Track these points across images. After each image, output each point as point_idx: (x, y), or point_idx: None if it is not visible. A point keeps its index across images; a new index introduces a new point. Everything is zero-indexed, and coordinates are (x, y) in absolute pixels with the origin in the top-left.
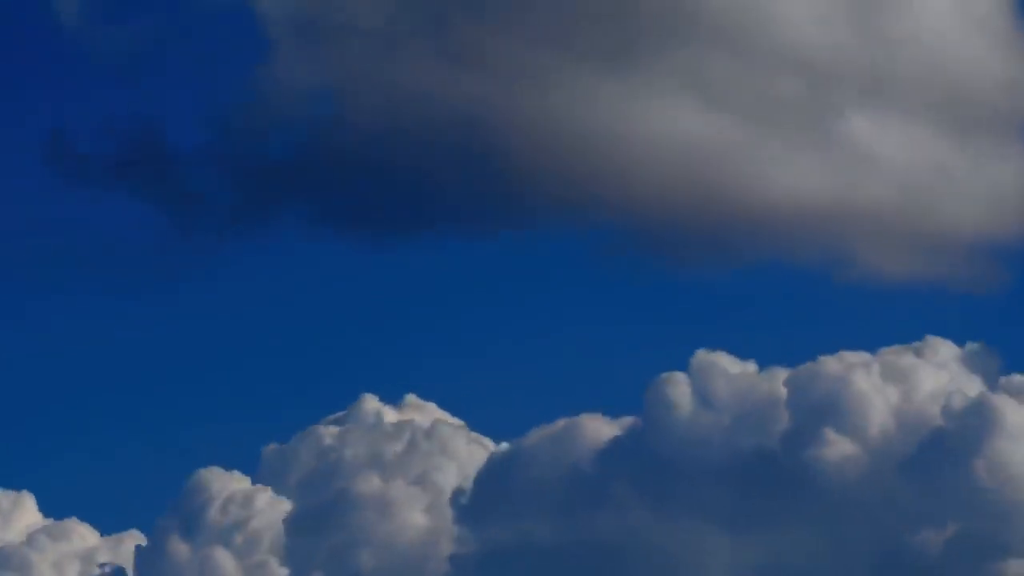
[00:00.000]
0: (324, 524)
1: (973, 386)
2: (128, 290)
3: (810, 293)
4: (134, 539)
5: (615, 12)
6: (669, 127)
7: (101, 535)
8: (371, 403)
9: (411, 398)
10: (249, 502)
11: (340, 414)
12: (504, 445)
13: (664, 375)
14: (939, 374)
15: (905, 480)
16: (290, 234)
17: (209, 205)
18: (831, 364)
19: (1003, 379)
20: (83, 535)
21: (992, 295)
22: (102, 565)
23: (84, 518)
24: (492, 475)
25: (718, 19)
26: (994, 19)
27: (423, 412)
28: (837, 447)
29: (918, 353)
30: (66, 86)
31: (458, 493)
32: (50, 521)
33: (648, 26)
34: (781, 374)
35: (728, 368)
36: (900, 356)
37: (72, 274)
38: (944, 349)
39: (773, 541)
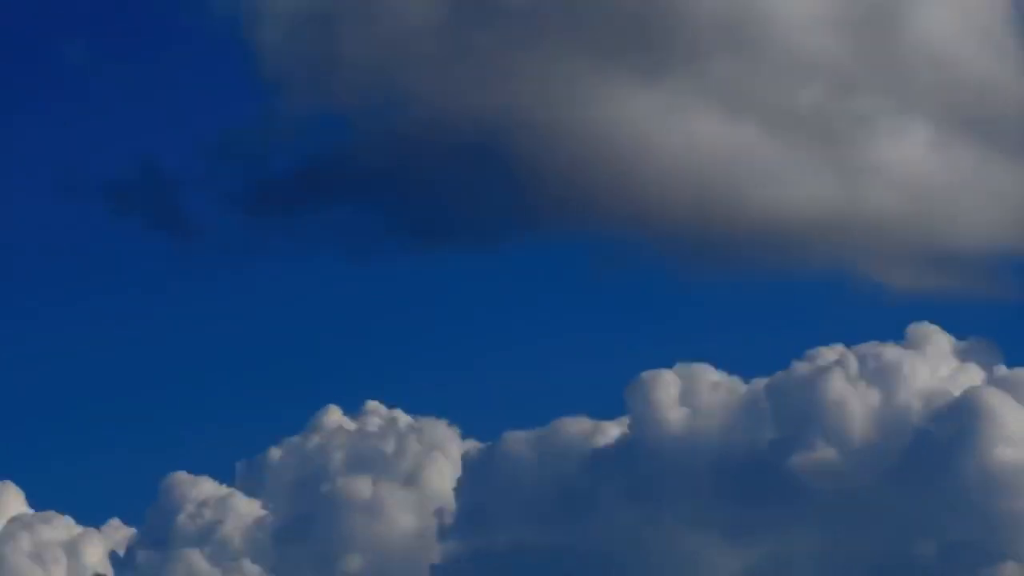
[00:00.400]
0: (305, 530)
1: (969, 379)
2: (120, 299)
3: (816, 304)
4: (114, 529)
5: (633, 22)
6: (682, 136)
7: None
8: (334, 414)
9: (372, 404)
10: (228, 509)
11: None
12: (480, 446)
13: (645, 374)
14: (935, 368)
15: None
16: (288, 250)
17: (205, 225)
18: (821, 361)
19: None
20: (65, 526)
21: (1000, 303)
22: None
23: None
24: (473, 481)
25: (731, 27)
26: (1004, 31)
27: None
28: (824, 452)
29: (913, 345)
30: (73, 118)
31: (441, 511)
32: (31, 512)
33: (664, 35)
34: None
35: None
36: (894, 350)
37: (67, 283)
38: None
39: (767, 547)
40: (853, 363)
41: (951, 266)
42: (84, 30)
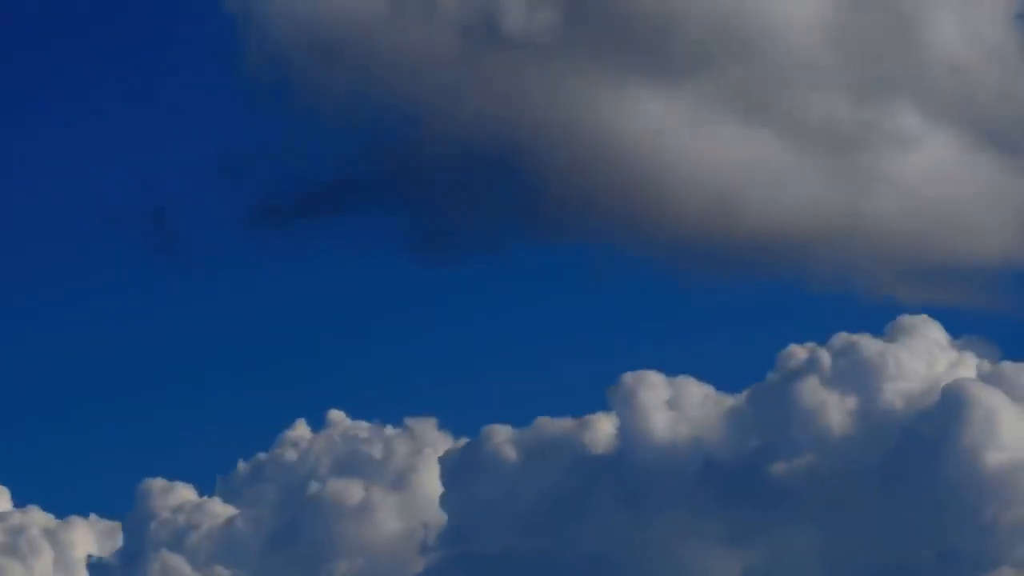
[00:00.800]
0: (288, 537)
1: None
2: (106, 306)
3: (817, 314)
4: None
5: (640, 30)
6: (693, 144)
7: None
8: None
9: (334, 414)
10: (207, 515)
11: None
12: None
13: (627, 376)
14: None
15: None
16: (286, 255)
17: (204, 239)
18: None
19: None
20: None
21: (1003, 316)
22: None
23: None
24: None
25: (741, 36)
26: (1009, 39)
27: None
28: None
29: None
30: (86, 140)
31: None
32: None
33: (673, 43)
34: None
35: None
36: (881, 344)
37: (51, 291)
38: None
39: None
40: (837, 360)
41: (958, 278)
42: (85, 46)
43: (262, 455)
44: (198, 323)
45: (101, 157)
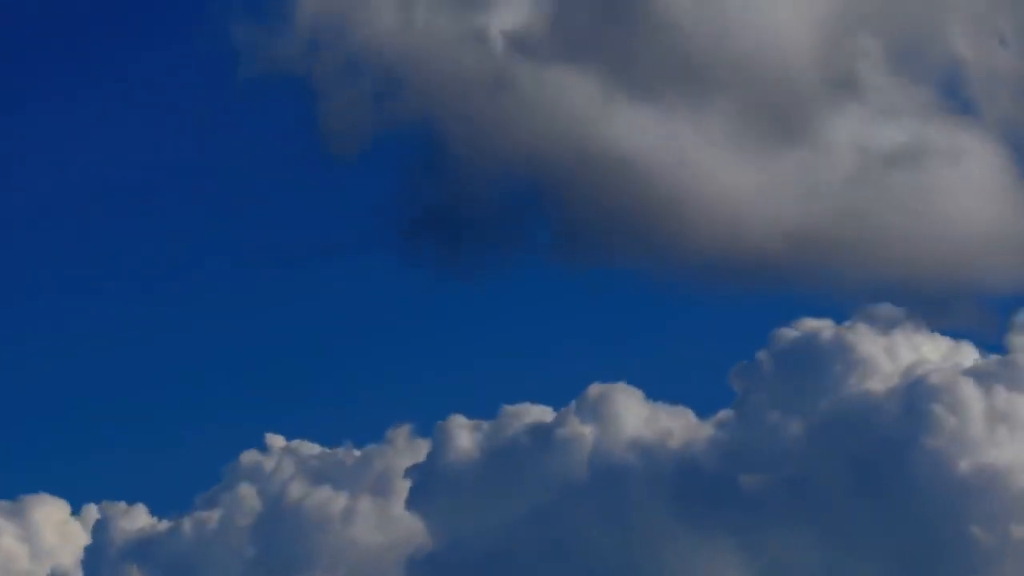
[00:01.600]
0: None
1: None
2: (104, 310)
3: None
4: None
5: (660, 47)
6: (713, 163)
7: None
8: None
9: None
10: (173, 536)
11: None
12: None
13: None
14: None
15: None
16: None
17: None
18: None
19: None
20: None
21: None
22: None
23: None
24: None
25: (755, 55)
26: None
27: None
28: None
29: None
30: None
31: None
32: None
33: (687, 62)
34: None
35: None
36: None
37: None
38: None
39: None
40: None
41: (974, 305)
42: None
43: (231, 471)
44: (186, 333)
45: (104, 160)
